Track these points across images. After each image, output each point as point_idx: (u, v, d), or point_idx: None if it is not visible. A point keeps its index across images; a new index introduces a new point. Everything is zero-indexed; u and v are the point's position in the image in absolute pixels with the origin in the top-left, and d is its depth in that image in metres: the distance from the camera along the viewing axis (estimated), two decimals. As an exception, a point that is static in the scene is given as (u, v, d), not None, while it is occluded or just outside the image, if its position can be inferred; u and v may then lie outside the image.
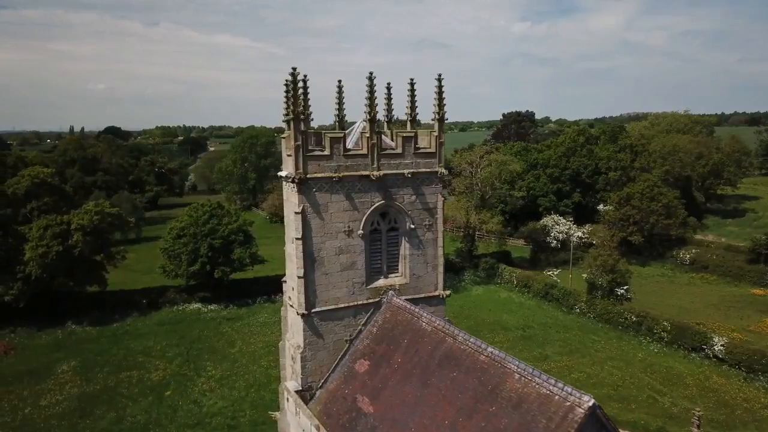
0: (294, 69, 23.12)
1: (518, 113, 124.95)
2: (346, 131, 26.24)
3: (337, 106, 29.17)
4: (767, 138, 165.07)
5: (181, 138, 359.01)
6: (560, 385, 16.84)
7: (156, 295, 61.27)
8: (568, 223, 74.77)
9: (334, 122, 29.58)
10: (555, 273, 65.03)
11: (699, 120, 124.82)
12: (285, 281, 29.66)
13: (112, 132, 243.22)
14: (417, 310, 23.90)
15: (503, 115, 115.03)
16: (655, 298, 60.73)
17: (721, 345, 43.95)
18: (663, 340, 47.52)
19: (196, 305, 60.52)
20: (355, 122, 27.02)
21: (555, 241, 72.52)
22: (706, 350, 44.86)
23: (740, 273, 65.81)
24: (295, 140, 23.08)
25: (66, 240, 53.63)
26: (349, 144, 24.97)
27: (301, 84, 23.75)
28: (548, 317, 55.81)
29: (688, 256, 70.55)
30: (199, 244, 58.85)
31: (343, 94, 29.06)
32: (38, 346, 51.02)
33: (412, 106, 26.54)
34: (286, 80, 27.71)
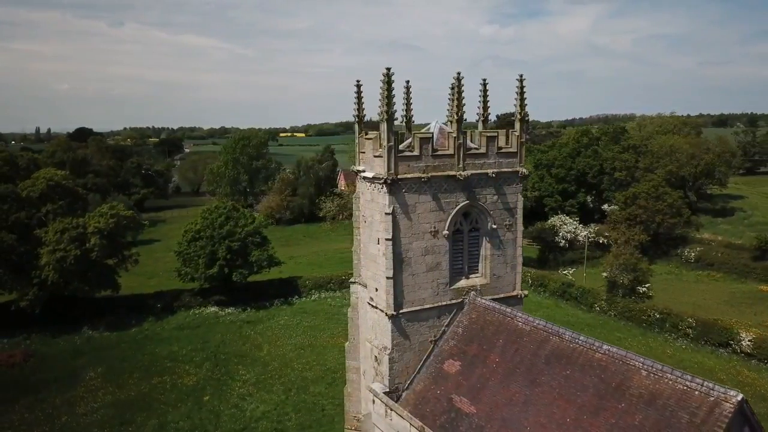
0: (388, 69, 22.98)
1: (513, 114, 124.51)
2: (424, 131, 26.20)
3: (404, 106, 29.12)
4: (744, 139, 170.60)
5: (155, 139, 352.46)
6: (698, 380, 17.07)
7: (170, 299, 60.25)
8: (575, 222, 75.89)
9: (402, 122, 29.50)
10: (570, 272, 65.80)
11: (687, 121, 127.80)
12: (354, 282, 29.63)
13: (83, 133, 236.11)
14: (509, 310, 24.00)
15: (497, 116, 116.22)
16: (667, 296, 61.81)
17: (748, 340, 45.02)
18: (689, 336, 48.45)
19: (212, 309, 59.64)
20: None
21: (563, 241, 73.39)
22: (733, 346, 45.89)
23: (746, 270, 67.52)
24: (388, 141, 22.97)
25: (83, 243, 52.38)
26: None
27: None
28: (569, 316, 56.42)
29: (693, 254, 72.13)
30: (217, 247, 58.02)
31: (411, 94, 29.04)
32: (57, 353, 49.66)
33: (485, 106, 26.69)
34: (357, 81, 27.80)
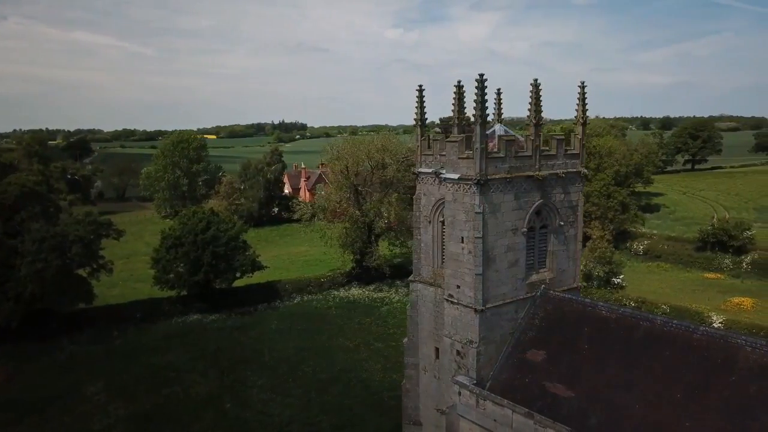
0: (481, 75, 24.17)
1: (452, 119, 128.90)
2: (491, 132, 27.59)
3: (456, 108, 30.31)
4: (654, 140, 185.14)
5: (54, 142, 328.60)
6: (805, 352, 19.51)
7: (149, 308, 58.07)
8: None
9: (453, 124, 30.68)
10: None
11: (614, 124, 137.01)
12: (413, 281, 30.63)
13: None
14: (588, 300, 25.92)
15: (440, 119, 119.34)
16: (628, 286, 66.66)
17: (719, 323, 49.72)
18: (664, 322, 52.69)
19: (195, 316, 58.04)
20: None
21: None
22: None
23: (689, 260, 73.98)
24: (480, 143, 24.16)
25: (63, 253, 49.53)
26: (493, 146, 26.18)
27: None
28: (548, 308, 59.60)
29: (641, 247, 77.99)
30: (200, 253, 56.51)
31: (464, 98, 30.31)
32: (43, 370, 46.71)
33: (536, 109, 28.39)
34: (420, 86, 28.94)
